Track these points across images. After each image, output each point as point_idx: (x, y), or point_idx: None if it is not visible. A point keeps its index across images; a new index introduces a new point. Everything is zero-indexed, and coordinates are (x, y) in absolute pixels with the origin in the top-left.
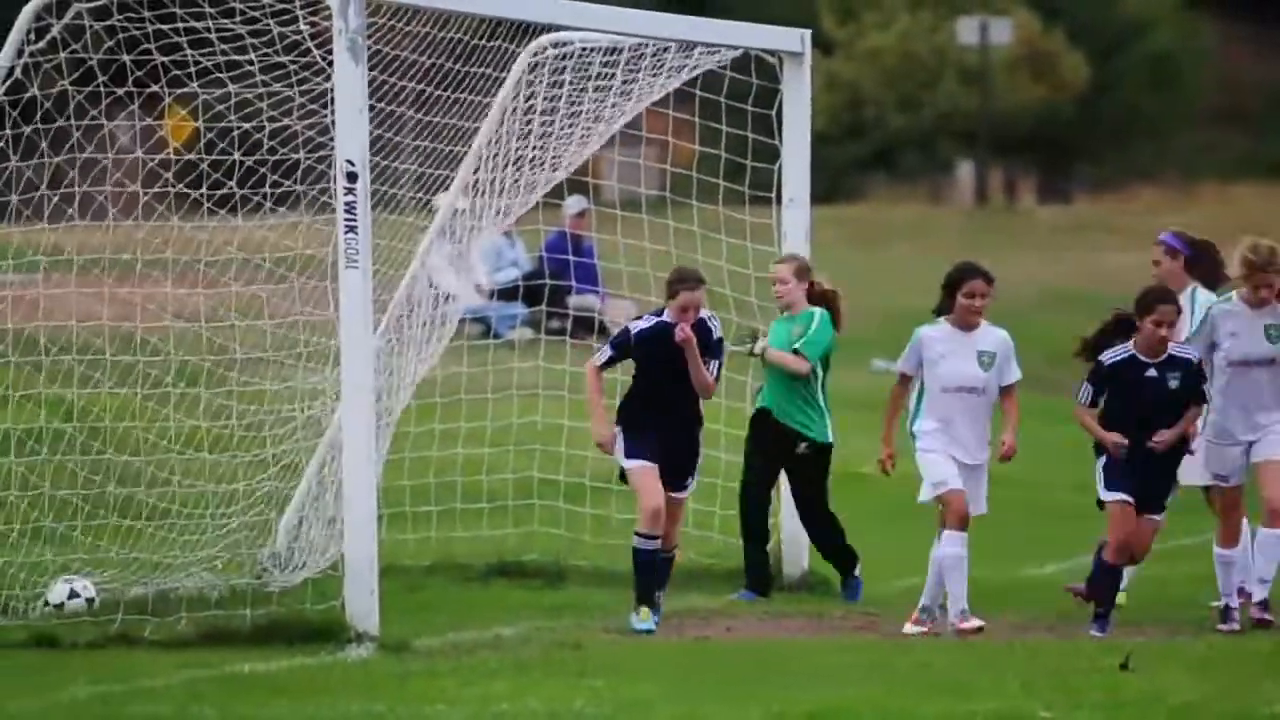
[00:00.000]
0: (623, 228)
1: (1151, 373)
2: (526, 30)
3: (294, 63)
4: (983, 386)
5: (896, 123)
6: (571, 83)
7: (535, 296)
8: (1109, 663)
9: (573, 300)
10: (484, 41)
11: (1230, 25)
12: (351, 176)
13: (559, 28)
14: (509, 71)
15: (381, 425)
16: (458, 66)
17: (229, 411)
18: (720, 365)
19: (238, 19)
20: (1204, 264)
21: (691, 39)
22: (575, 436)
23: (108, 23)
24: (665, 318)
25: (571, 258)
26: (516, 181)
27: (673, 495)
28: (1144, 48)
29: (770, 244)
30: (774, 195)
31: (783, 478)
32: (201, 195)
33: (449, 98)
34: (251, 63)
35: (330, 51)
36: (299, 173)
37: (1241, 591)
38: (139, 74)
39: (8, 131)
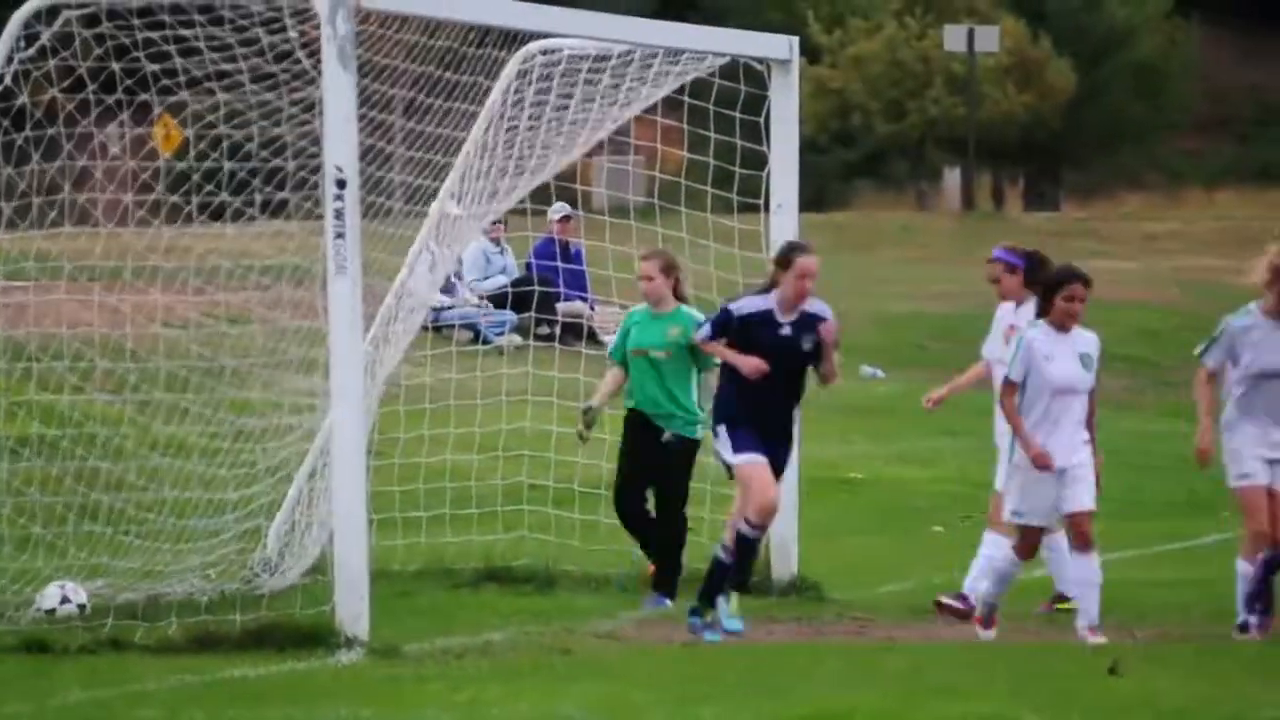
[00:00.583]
0: (611, 234)
1: None
2: (515, 37)
3: (284, 71)
4: (1085, 387)
5: (884, 130)
6: (560, 90)
7: (524, 303)
8: (1098, 666)
9: (561, 307)
10: (473, 49)
11: (1216, 32)
12: (340, 183)
13: (548, 35)
14: (498, 79)
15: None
16: (446, 74)
17: (218, 419)
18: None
19: (227, 27)
20: (1038, 275)
21: (679, 46)
22: (564, 442)
23: (97, 30)
24: (770, 299)
25: (560, 264)
26: (504, 187)
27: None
28: (1130, 55)
29: (759, 250)
30: (762, 202)
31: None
32: (191, 204)
33: (439, 106)
34: (241, 71)
35: (319, 59)
36: (288, 181)
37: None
38: (129, 82)
39: None
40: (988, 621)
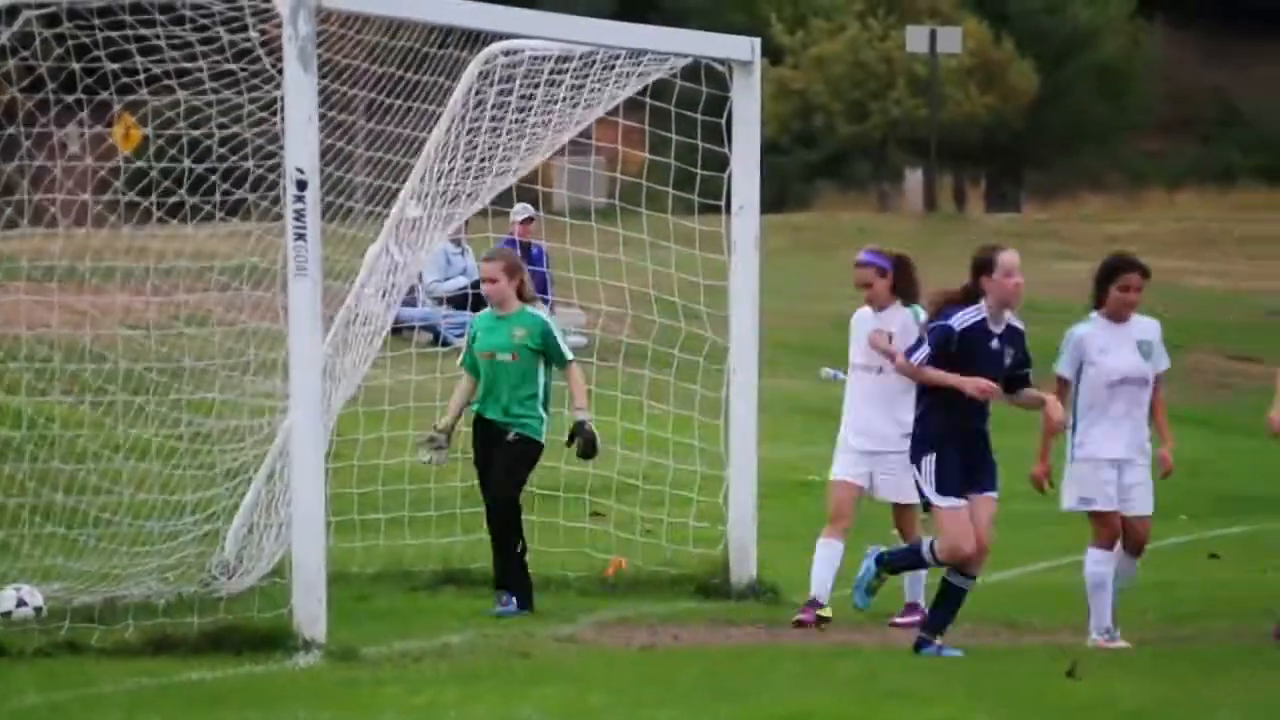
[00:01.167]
0: (572, 235)
1: None
2: (477, 38)
3: (244, 70)
4: (1145, 376)
5: (846, 131)
6: (522, 91)
7: (485, 304)
8: (1055, 669)
9: None
10: (434, 50)
11: (1178, 34)
12: (301, 185)
13: (510, 36)
14: (460, 80)
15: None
16: (408, 75)
17: (177, 420)
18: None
19: (188, 26)
20: (904, 279)
21: (641, 47)
22: None
23: (57, 30)
24: (981, 309)
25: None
26: (465, 189)
27: (988, 496)
28: (1092, 56)
29: (720, 252)
30: (723, 203)
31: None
32: (151, 203)
33: (400, 106)
34: (201, 70)
35: (280, 59)
36: (249, 181)
37: None
38: (88, 81)
39: None
40: (1112, 635)
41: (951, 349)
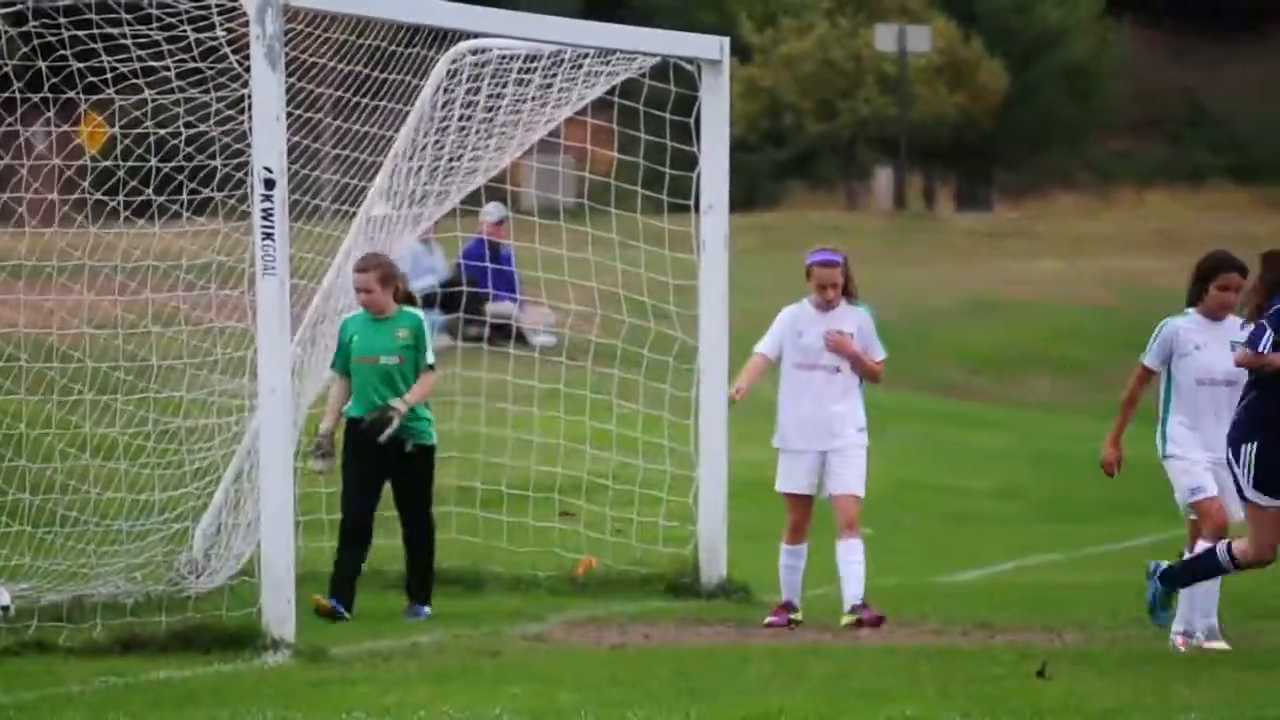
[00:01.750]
0: (541, 235)
1: None
2: (445, 37)
3: (210, 69)
4: (1238, 377)
5: (815, 129)
6: (490, 90)
7: (453, 304)
8: (1026, 669)
9: (490, 307)
10: (402, 48)
11: (1147, 33)
12: (269, 184)
13: (477, 34)
14: (427, 78)
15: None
16: (376, 73)
17: (145, 420)
18: None
19: (154, 25)
20: (850, 277)
21: (609, 46)
22: (492, 443)
23: (23, 29)
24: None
25: (489, 265)
26: (434, 188)
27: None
28: (1062, 56)
29: (689, 251)
30: (692, 202)
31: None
32: (118, 202)
33: (367, 105)
34: (168, 69)
35: (247, 58)
36: (216, 180)
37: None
38: (55, 80)
39: None
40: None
41: None
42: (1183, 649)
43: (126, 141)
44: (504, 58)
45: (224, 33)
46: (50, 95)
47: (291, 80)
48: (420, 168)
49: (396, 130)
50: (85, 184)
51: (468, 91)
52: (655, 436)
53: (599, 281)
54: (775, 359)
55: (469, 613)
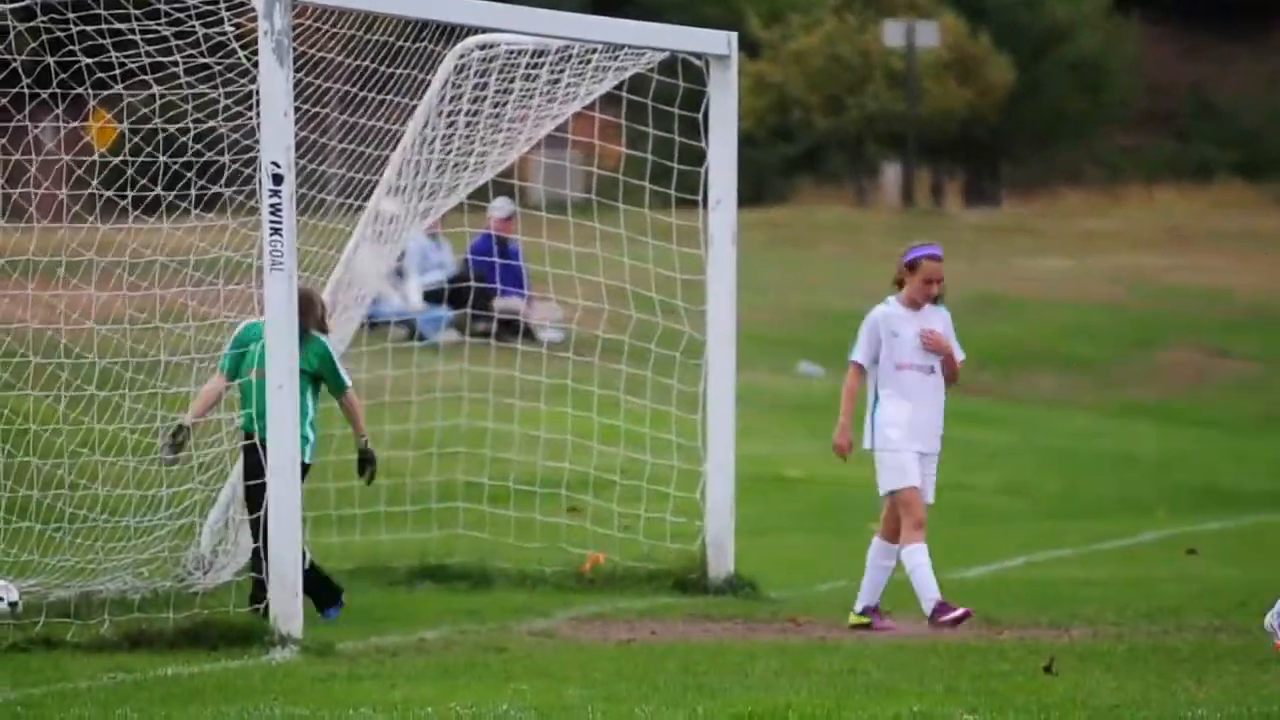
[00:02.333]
0: (548, 230)
1: None
2: (453, 32)
3: (219, 64)
4: None
5: (823, 125)
6: (498, 85)
7: (461, 299)
8: (1033, 665)
9: (498, 303)
10: (409, 43)
11: (1156, 29)
12: (277, 179)
13: (485, 29)
14: (435, 74)
15: None
16: (384, 68)
17: (153, 416)
18: None
19: (163, 20)
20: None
21: (618, 41)
22: (499, 439)
23: (32, 24)
24: None
25: (497, 260)
26: (442, 184)
27: None
28: (1070, 51)
29: (697, 246)
30: (700, 198)
31: None
32: (127, 198)
33: (375, 99)
34: (176, 64)
35: (255, 53)
36: (224, 175)
37: None
38: (63, 76)
39: None
40: None
41: None
42: None
43: (136, 139)
44: (512, 52)
45: (232, 28)
46: (59, 91)
47: (299, 75)
48: (428, 162)
49: (403, 125)
50: (94, 181)
51: (475, 86)
52: (662, 432)
53: (607, 277)
54: (870, 366)
55: (476, 608)
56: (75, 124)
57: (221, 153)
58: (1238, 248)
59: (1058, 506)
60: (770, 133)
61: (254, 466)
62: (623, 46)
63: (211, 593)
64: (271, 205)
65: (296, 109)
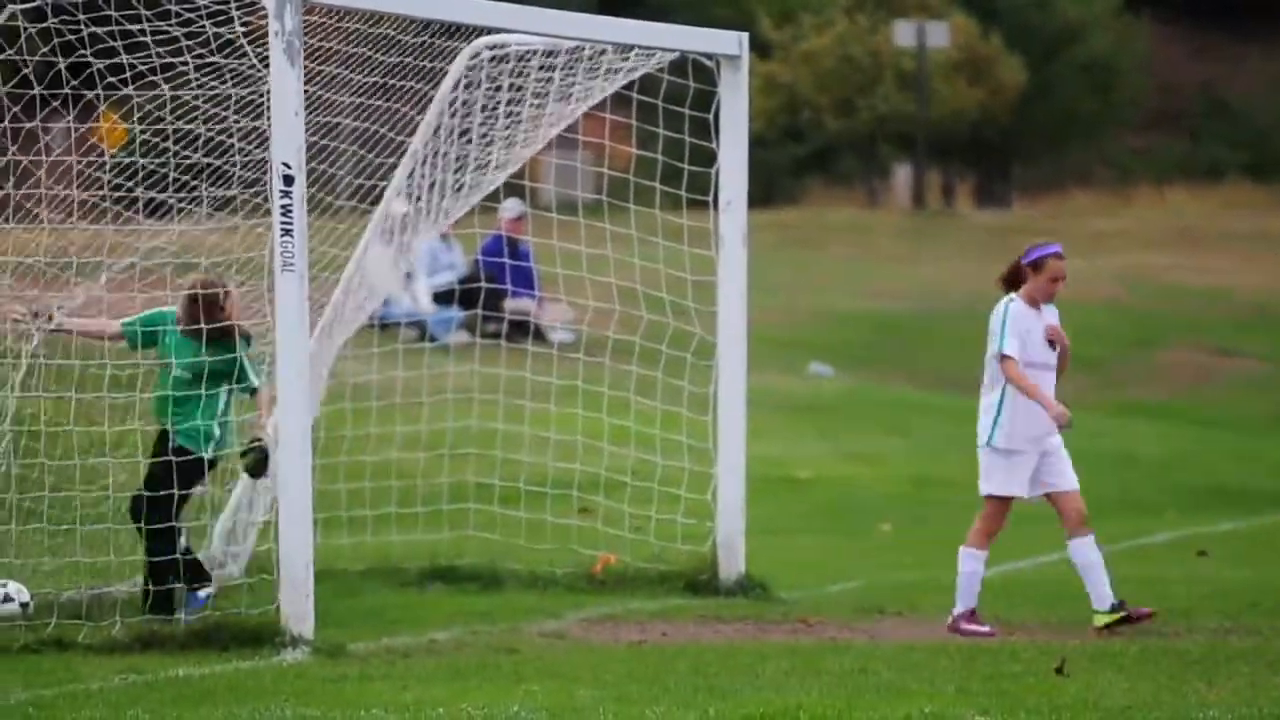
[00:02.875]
0: (559, 231)
1: None
2: (462, 32)
3: (229, 64)
4: None
5: (834, 126)
6: (509, 85)
7: (471, 300)
8: (1044, 666)
9: (509, 304)
10: (419, 39)
11: (1166, 29)
12: (288, 180)
13: (495, 30)
14: (445, 74)
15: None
16: (393, 59)
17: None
18: None
19: (173, 21)
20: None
21: (628, 42)
22: (510, 440)
23: (42, 25)
24: None
25: (508, 261)
26: (453, 184)
27: None
28: (1081, 51)
29: (708, 247)
30: (711, 198)
31: None
32: (137, 199)
33: (384, 107)
34: (186, 64)
35: (266, 53)
36: (235, 176)
37: None
38: (75, 82)
39: None
40: None
41: None
42: None
43: (145, 136)
44: (522, 53)
45: (242, 28)
46: (69, 93)
47: (310, 87)
48: (439, 164)
49: (413, 125)
50: (104, 181)
51: (486, 87)
52: (673, 433)
53: (617, 277)
54: (990, 360)
55: (487, 610)
56: (86, 126)
57: (232, 152)
58: (1247, 248)
59: None
60: (781, 133)
61: (158, 454)
62: (633, 47)
63: (223, 594)
64: (283, 207)
65: (305, 108)
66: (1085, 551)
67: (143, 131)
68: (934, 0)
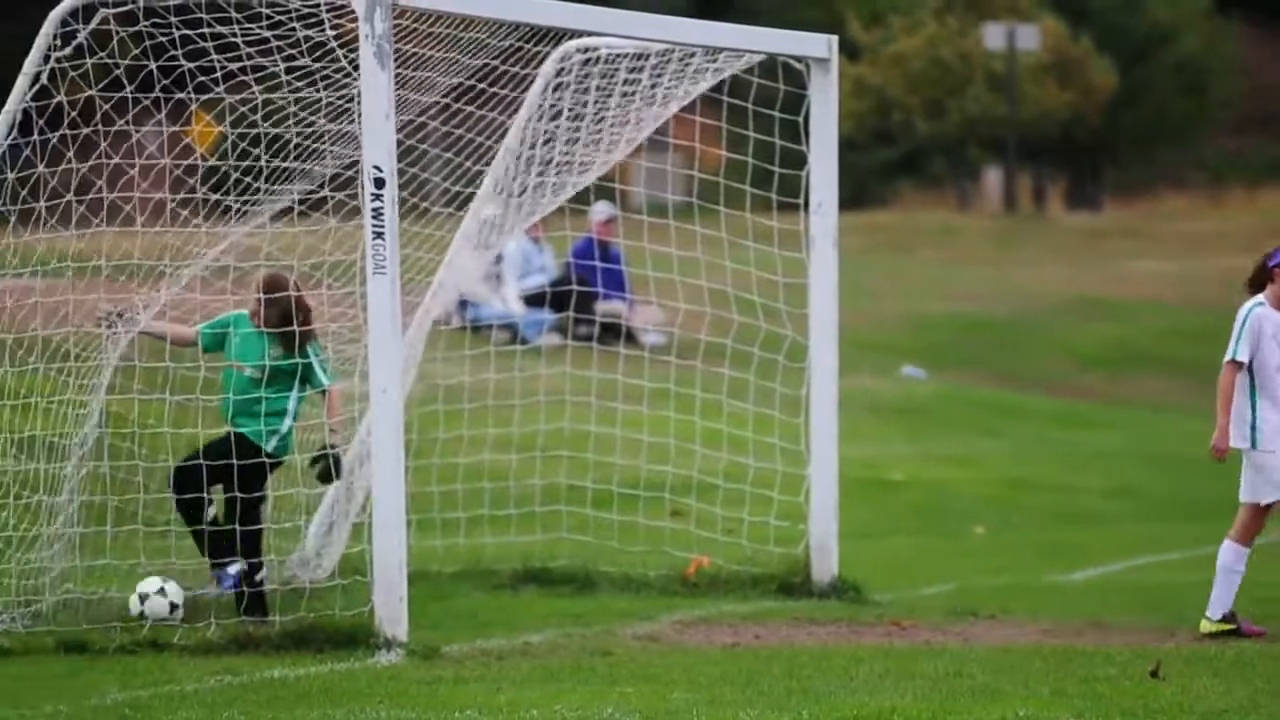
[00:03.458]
0: (650, 234)
1: None
2: (553, 36)
3: (320, 67)
4: None
5: (924, 128)
6: (599, 88)
7: (563, 303)
8: (1139, 669)
9: (600, 306)
10: (508, 43)
11: (1257, 30)
12: (379, 182)
13: (586, 33)
14: (534, 79)
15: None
16: (484, 62)
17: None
18: None
19: (263, 23)
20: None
21: (718, 45)
22: (602, 442)
23: (134, 28)
24: None
25: (599, 264)
26: (542, 186)
27: None
28: (1172, 53)
29: (798, 250)
30: (801, 201)
31: None
32: (229, 201)
33: (474, 113)
34: (277, 66)
35: (356, 56)
36: (326, 178)
37: None
38: (165, 82)
39: (35, 138)
40: None
41: None
42: None
43: (235, 139)
44: (612, 56)
45: (333, 31)
46: (161, 96)
47: (401, 93)
48: (529, 165)
49: (503, 128)
50: (196, 184)
51: (576, 90)
52: (766, 435)
53: (708, 280)
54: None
55: (580, 612)
56: (177, 128)
57: (323, 155)
58: None
59: (1163, 509)
60: (871, 136)
61: (220, 454)
62: (722, 49)
63: (317, 595)
64: (374, 209)
65: (397, 110)
66: (1232, 558)
67: (235, 134)
68: (1024, 3)
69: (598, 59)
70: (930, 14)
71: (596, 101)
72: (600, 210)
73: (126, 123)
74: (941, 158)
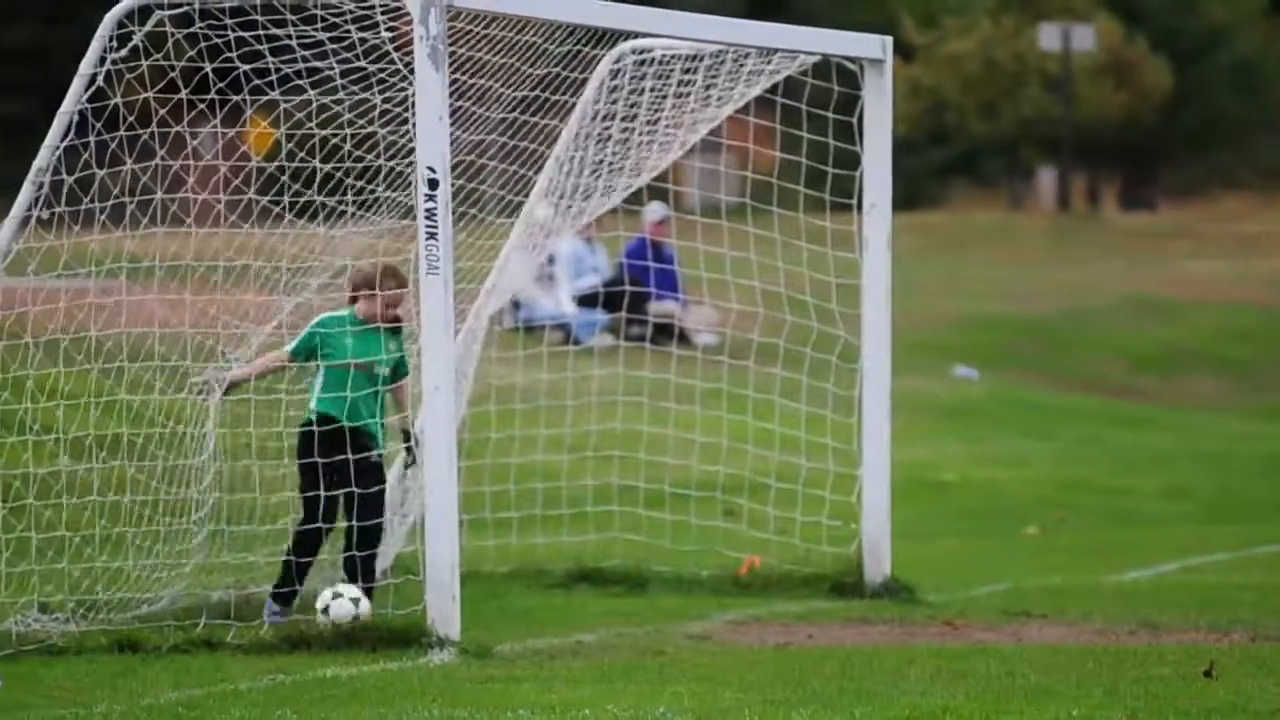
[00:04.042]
0: (703, 234)
1: None
2: (607, 37)
3: (376, 69)
4: None
5: (978, 129)
6: (653, 89)
7: (615, 303)
8: (1193, 669)
9: (653, 307)
10: (563, 48)
11: None
12: (432, 184)
13: (640, 34)
14: (590, 78)
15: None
16: (541, 70)
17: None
18: None
19: (319, 25)
20: None
21: (772, 45)
22: (654, 443)
23: (189, 30)
24: None
25: (652, 264)
26: (596, 187)
27: None
28: (1227, 54)
29: (851, 250)
30: (855, 202)
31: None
32: (283, 204)
33: (531, 122)
34: (332, 69)
35: (411, 58)
36: (381, 180)
37: None
38: (221, 85)
39: (90, 139)
40: None
41: None
42: None
43: (291, 145)
44: (667, 57)
45: (388, 33)
46: (217, 98)
47: (456, 102)
48: (582, 166)
49: (554, 143)
50: (250, 188)
51: (630, 91)
52: (818, 435)
53: (761, 280)
54: None
55: (633, 611)
56: (233, 131)
57: (378, 157)
58: None
59: (1217, 510)
60: (925, 137)
61: (329, 448)
62: (776, 50)
63: (371, 595)
64: (427, 210)
65: (451, 111)
66: None
67: (289, 139)
68: (1079, 3)
69: (652, 60)
70: (985, 14)
71: (651, 103)
72: (654, 211)
73: (183, 126)
74: (996, 158)
